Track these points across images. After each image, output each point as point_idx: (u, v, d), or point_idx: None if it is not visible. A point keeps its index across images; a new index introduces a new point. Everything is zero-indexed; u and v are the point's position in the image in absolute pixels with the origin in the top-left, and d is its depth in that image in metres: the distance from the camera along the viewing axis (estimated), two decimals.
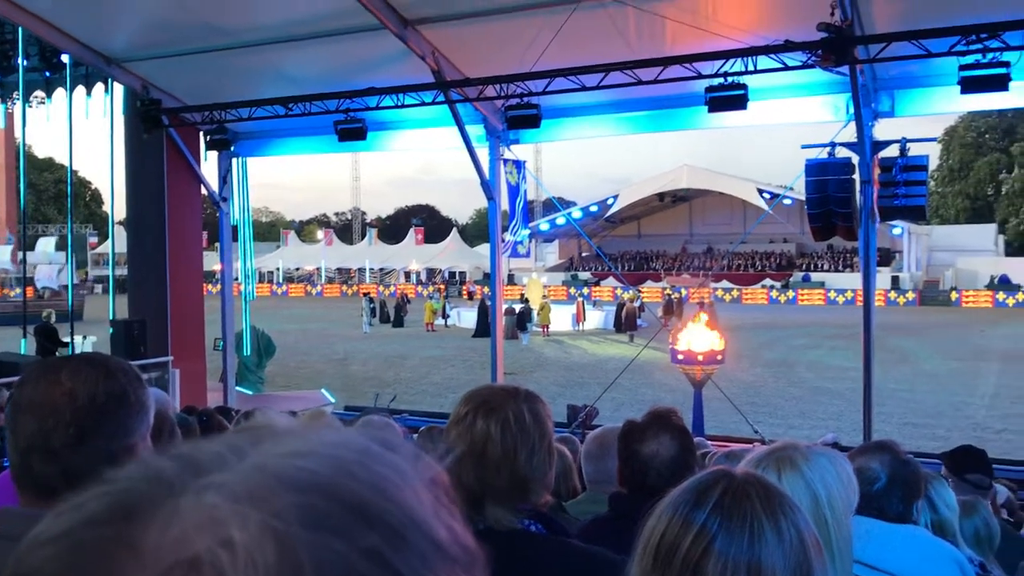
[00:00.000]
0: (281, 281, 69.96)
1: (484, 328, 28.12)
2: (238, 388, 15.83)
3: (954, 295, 49.09)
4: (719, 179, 53.40)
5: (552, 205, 57.72)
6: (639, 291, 40.80)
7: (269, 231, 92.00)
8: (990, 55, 8.50)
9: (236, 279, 16.37)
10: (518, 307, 31.29)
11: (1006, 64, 8.46)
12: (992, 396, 18.23)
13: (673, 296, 36.16)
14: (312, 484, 0.46)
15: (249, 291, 16.81)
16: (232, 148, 14.17)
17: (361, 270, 69.94)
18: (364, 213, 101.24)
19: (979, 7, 8.74)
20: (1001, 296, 48.03)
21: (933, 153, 73.67)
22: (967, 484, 3.86)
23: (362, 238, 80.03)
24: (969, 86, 8.68)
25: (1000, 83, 8.49)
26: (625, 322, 32.19)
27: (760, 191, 48.38)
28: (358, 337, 32.06)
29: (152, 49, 12.15)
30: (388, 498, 0.48)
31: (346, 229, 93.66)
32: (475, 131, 12.33)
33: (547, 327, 32.10)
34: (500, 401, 1.78)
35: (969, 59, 8.63)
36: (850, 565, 1.54)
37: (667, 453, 2.22)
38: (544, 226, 55.12)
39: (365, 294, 40.34)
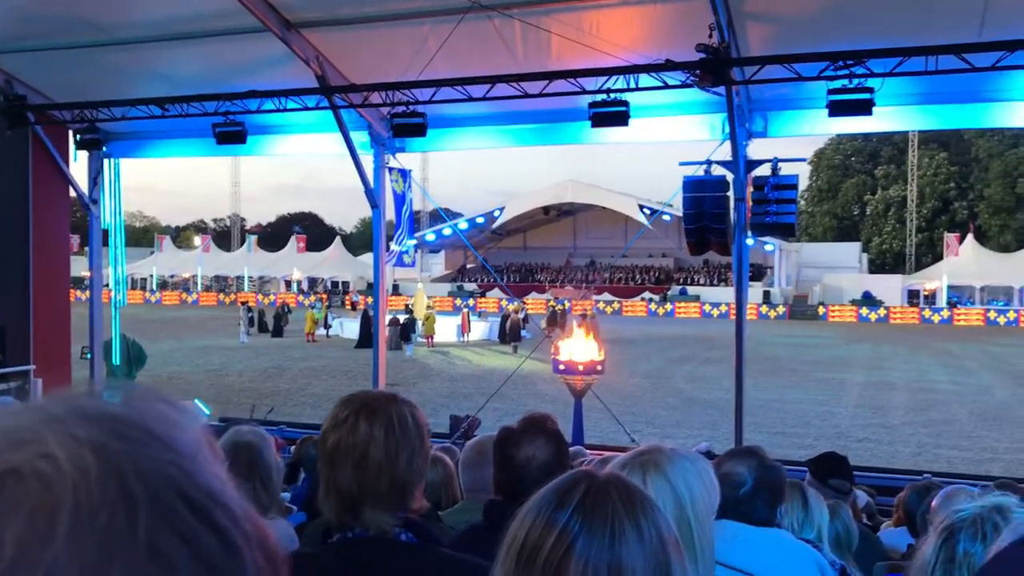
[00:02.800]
0: (155, 288, 67.46)
1: (367, 338, 27.76)
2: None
3: (821, 309, 51.46)
4: (602, 194, 54.45)
5: (439, 215, 57.73)
6: (524, 303, 41.14)
7: (143, 236, 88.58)
8: (856, 81, 8.95)
9: (106, 285, 15.64)
10: (402, 318, 31.07)
11: (870, 90, 8.92)
12: (855, 406, 19.16)
13: (557, 308, 36.60)
14: (107, 414, 0.51)
15: (120, 298, 16.09)
16: (104, 148, 13.57)
17: (240, 278, 68.14)
18: (244, 220, 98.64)
19: (847, 35, 9.19)
20: (864, 311, 50.65)
21: (803, 173, 77.27)
22: (829, 489, 4.03)
23: (241, 245, 77.87)
24: (836, 110, 9.11)
25: (864, 108, 8.95)
26: (509, 333, 32.40)
27: (641, 207, 49.59)
28: (235, 347, 31.17)
29: (18, 42, 11.52)
30: (178, 431, 0.53)
31: (224, 236, 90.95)
32: (360, 138, 12.19)
33: (431, 338, 31.98)
34: (381, 404, 1.75)
35: (837, 84, 9.07)
36: (712, 565, 1.56)
37: (542, 457, 2.23)
38: (430, 236, 55.11)
39: (243, 303, 39.28)
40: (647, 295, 55.68)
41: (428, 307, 34.41)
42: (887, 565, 2.81)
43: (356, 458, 1.68)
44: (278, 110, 11.20)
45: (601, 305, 51.05)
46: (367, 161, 12.32)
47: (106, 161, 14.00)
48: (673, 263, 59.21)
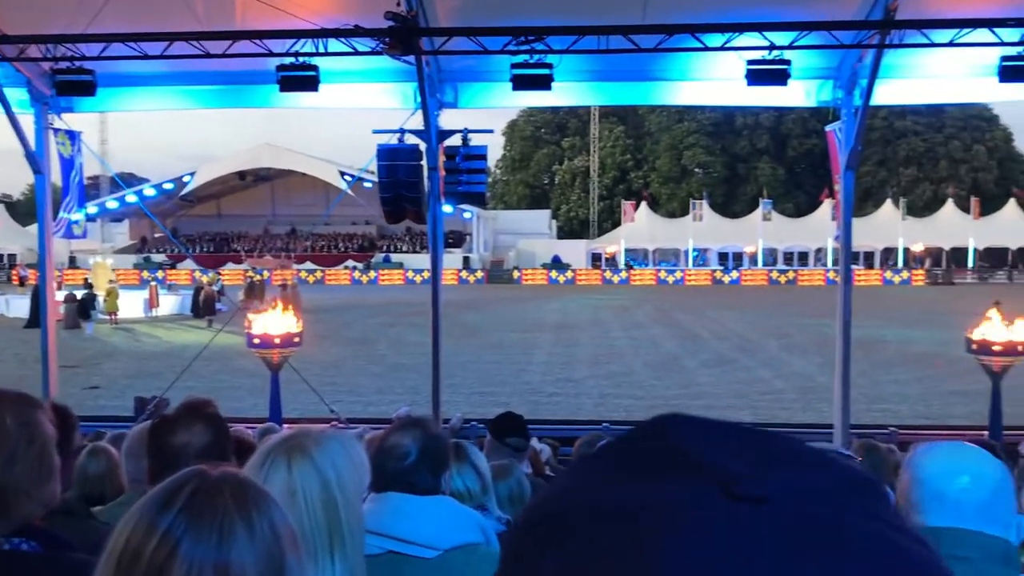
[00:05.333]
0: None
1: (38, 317, 25.20)
2: None
3: (516, 273, 54.15)
4: (301, 159, 53.29)
5: (124, 180, 53.49)
6: (219, 274, 39.33)
7: None
8: (536, 56, 9.40)
9: None
10: (80, 293, 28.53)
11: (549, 66, 9.41)
12: (545, 364, 20.37)
13: (255, 279, 35.36)
14: None
15: None
16: None
17: None
18: None
19: (529, 11, 9.60)
20: (554, 274, 54.03)
21: (498, 143, 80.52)
22: (507, 448, 4.23)
23: None
24: (519, 84, 9.52)
25: (544, 83, 9.43)
26: (203, 307, 30.84)
27: (342, 173, 49.11)
28: None
29: None
30: None
31: None
32: (18, 95, 10.88)
33: (115, 314, 29.65)
34: None
35: (519, 59, 9.47)
36: (361, 543, 1.57)
37: (199, 442, 2.13)
38: (112, 204, 50.87)
39: None
40: (351, 263, 55.45)
41: (110, 281, 31.86)
42: None
43: None
44: None
45: (303, 275, 50.04)
46: (27, 121, 11.06)
47: None
48: (376, 230, 59.33)
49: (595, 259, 59.48)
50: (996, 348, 10.15)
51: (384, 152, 10.51)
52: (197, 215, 60.14)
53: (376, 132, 10.69)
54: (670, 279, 53.99)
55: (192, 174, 52.84)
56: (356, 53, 9.38)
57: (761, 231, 56.29)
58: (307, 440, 1.56)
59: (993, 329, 10.32)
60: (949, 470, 1.54)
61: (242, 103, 11.57)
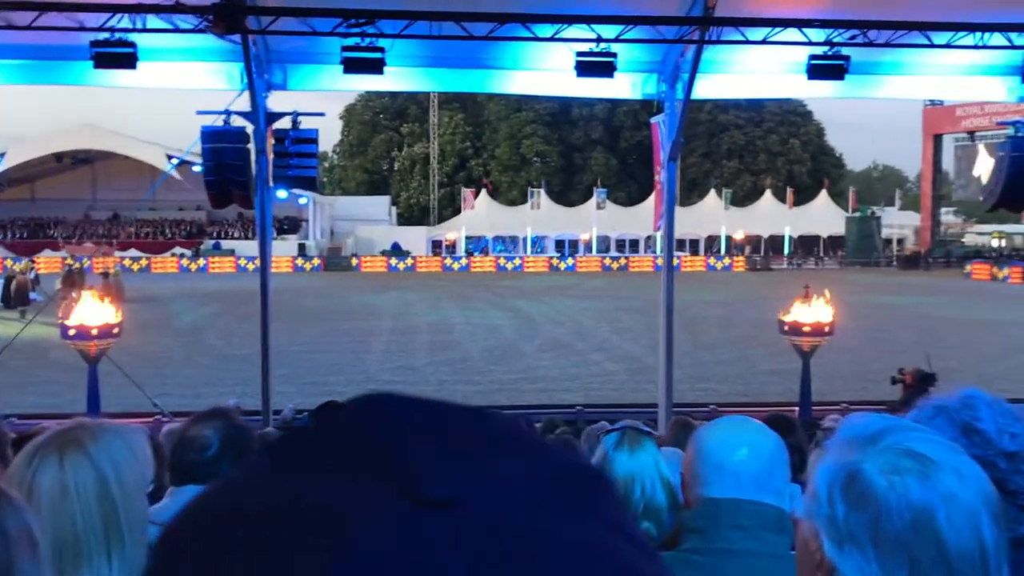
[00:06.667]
0: None
1: None
2: None
3: (355, 261, 53.41)
4: (125, 141, 50.50)
5: None
6: (33, 262, 36.79)
7: None
8: (368, 40, 9.27)
9: None
10: None
11: (381, 49, 9.31)
12: (383, 352, 20.22)
13: (74, 267, 33.28)
14: None
15: None
16: None
17: None
18: None
19: None
20: (394, 261, 53.67)
21: (336, 128, 78.98)
22: None
23: None
24: (350, 67, 9.37)
25: (376, 67, 9.32)
26: (15, 296, 28.79)
27: (169, 156, 46.87)
28: None
29: None
30: None
31: None
32: None
33: None
34: None
35: (350, 41, 9.31)
36: (144, 540, 1.51)
37: None
38: None
39: None
40: (178, 250, 53.07)
41: None
42: None
43: None
44: None
45: (127, 262, 47.48)
46: None
47: None
48: (206, 216, 56.95)
49: (435, 246, 59.46)
50: (805, 329, 10.88)
51: (208, 134, 10.12)
52: (8, 199, 55.82)
53: (200, 113, 10.28)
54: (509, 266, 54.68)
55: (2, 155, 49.08)
56: (177, 31, 8.98)
57: (595, 219, 57.82)
58: (82, 433, 1.47)
59: (802, 311, 11.04)
60: (729, 443, 1.63)
61: (53, 79, 10.85)
